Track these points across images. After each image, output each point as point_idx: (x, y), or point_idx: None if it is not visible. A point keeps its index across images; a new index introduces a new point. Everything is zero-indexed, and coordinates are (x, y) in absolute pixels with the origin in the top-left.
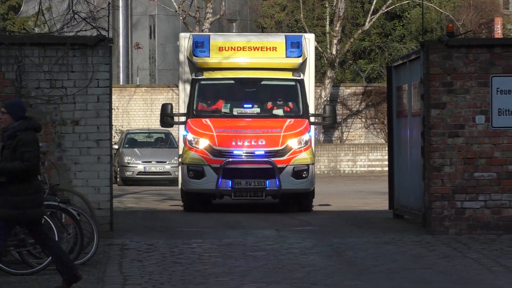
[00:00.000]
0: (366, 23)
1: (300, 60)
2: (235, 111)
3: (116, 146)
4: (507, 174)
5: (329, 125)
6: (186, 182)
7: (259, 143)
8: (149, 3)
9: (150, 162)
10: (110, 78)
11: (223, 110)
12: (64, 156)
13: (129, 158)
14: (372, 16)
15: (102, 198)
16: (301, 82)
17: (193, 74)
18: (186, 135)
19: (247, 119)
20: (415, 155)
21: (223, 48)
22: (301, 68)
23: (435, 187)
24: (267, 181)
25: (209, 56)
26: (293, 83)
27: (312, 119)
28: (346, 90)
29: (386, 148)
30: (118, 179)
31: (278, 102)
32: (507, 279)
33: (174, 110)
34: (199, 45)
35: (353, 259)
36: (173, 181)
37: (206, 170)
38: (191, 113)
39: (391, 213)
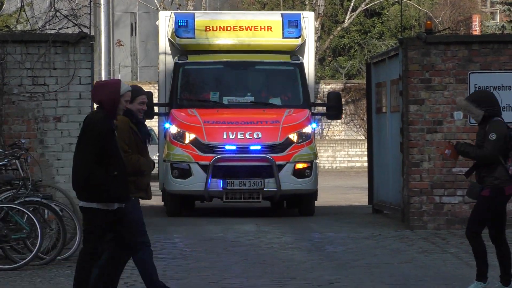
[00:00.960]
0: (346, 20)
1: (299, 41)
2: (226, 100)
3: None
4: None
5: (333, 117)
6: (169, 183)
7: (255, 136)
8: (131, 0)
9: None
10: (92, 75)
11: (211, 98)
12: (46, 153)
13: None
14: (352, 14)
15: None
16: (301, 66)
17: (176, 58)
18: (169, 127)
19: (240, 109)
20: (394, 151)
21: (210, 28)
22: (299, 51)
23: (413, 182)
24: (265, 181)
25: (194, 37)
26: (291, 67)
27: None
28: (326, 87)
29: (366, 144)
30: None
31: (274, 90)
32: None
33: (154, 100)
34: (183, 25)
35: (333, 253)
36: (155, 177)
37: (193, 168)
38: (174, 102)
39: (371, 208)
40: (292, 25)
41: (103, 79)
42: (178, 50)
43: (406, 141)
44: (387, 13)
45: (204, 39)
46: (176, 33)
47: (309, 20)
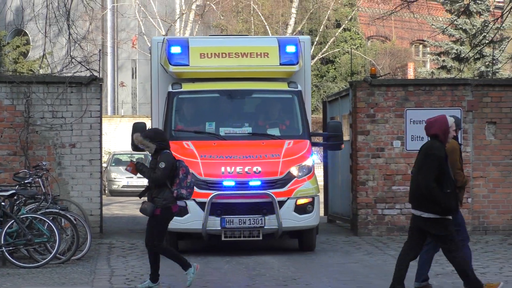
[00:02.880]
0: None
1: (296, 68)
2: (222, 131)
3: (105, 165)
4: None
5: (333, 147)
6: None
7: (254, 171)
8: (132, 50)
9: (132, 177)
10: (100, 110)
11: (207, 129)
12: (63, 173)
13: (115, 174)
14: (311, 61)
15: (94, 206)
16: (299, 94)
17: (170, 86)
18: None
19: (237, 141)
20: (345, 172)
21: (205, 55)
22: (297, 77)
23: (361, 197)
24: (265, 218)
25: (188, 65)
26: (289, 95)
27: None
28: None
29: (322, 167)
30: (106, 191)
31: (272, 119)
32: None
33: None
34: (176, 52)
35: (296, 255)
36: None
37: (190, 206)
38: (169, 134)
39: (326, 219)
40: (289, 51)
41: (109, 114)
42: (171, 77)
43: (354, 164)
44: (339, 61)
45: (198, 66)
46: (169, 60)
47: (305, 45)
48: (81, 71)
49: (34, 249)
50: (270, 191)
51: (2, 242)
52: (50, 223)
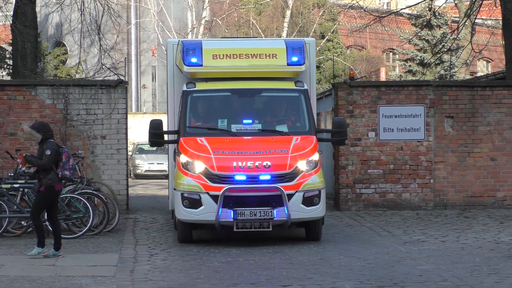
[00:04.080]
0: None
1: (303, 68)
2: (234, 128)
3: (130, 153)
4: (389, 170)
5: (338, 142)
6: (180, 212)
7: (264, 166)
8: (152, 58)
9: (153, 163)
10: (126, 107)
11: (219, 126)
12: (96, 160)
13: (139, 161)
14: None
15: (121, 187)
16: (305, 93)
17: (185, 85)
18: (179, 156)
19: (248, 137)
20: (329, 158)
21: (218, 56)
22: (302, 77)
23: (342, 179)
24: (275, 210)
25: (201, 65)
26: (296, 94)
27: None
28: None
29: None
30: (131, 175)
31: (281, 116)
32: (389, 239)
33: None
34: (190, 53)
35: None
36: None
37: (203, 199)
38: (183, 130)
39: None
40: (296, 52)
41: (133, 111)
42: (186, 77)
43: (336, 152)
44: (323, 66)
45: (211, 66)
46: (184, 61)
47: (310, 46)
48: (110, 76)
49: (72, 223)
50: (279, 185)
51: (46, 217)
52: (85, 202)
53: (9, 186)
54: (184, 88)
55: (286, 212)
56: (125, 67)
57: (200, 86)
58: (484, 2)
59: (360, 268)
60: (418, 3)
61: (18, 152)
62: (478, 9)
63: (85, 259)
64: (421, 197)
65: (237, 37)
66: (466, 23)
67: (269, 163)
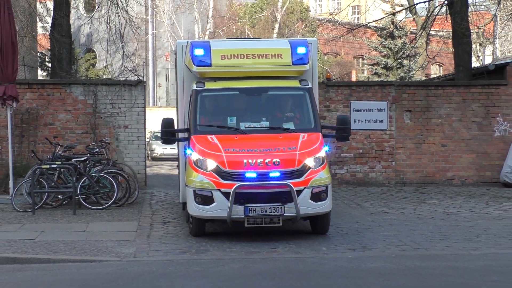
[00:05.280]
0: None
1: (307, 67)
2: (243, 126)
3: (148, 140)
4: (359, 154)
5: (341, 138)
6: (193, 208)
7: (274, 163)
8: (166, 62)
9: (166, 148)
10: (144, 102)
11: (229, 124)
12: (119, 145)
13: (155, 146)
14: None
15: (140, 168)
16: (310, 91)
17: (194, 85)
18: (191, 154)
19: (257, 135)
20: None
21: (225, 56)
22: (306, 76)
23: None
24: (285, 206)
25: (210, 65)
26: (301, 92)
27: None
28: None
29: None
30: (149, 157)
31: (287, 114)
32: (358, 211)
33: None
34: (198, 53)
35: None
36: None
37: (215, 195)
38: (194, 129)
39: None
40: (300, 52)
41: (150, 105)
42: (195, 77)
43: None
44: None
45: (219, 66)
46: (193, 61)
47: (313, 47)
48: (131, 77)
49: (100, 196)
50: (288, 181)
51: (79, 192)
52: (111, 179)
53: (48, 166)
54: (194, 87)
55: (296, 208)
56: (143, 69)
57: (209, 85)
58: (437, 16)
59: (335, 234)
60: (383, 18)
61: (55, 138)
62: (432, 22)
63: (110, 226)
64: (384, 176)
65: (243, 38)
66: (422, 34)
67: (278, 160)
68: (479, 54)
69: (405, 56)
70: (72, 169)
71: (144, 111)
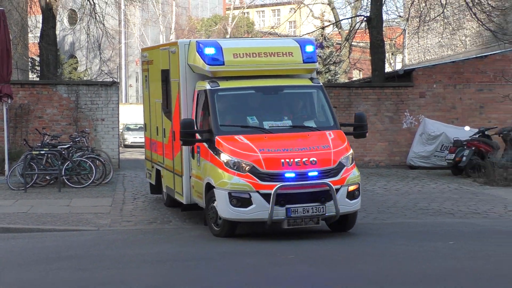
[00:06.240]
0: None
1: (316, 65)
2: (266, 125)
3: (121, 130)
4: None
5: (359, 135)
6: (227, 211)
7: (311, 162)
8: (136, 66)
9: (136, 137)
10: (117, 100)
11: (251, 123)
12: (97, 135)
13: (126, 135)
14: None
15: (114, 153)
16: (322, 88)
17: (208, 84)
18: (219, 155)
19: (284, 134)
20: None
21: (238, 55)
22: (314, 74)
23: None
24: (325, 205)
25: (223, 64)
26: (315, 90)
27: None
28: None
29: None
30: (122, 145)
31: (306, 112)
32: None
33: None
34: (210, 52)
35: None
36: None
37: (254, 197)
38: (217, 129)
39: None
40: (309, 50)
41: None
42: (198, 75)
43: None
44: None
45: (233, 65)
46: (204, 60)
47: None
48: (107, 78)
49: (81, 177)
50: (327, 180)
51: (63, 174)
52: (90, 163)
53: (37, 152)
54: (207, 87)
55: (335, 207)
56: (117, 72)
57: (223, 84)
58: (358, 30)
59: None
60: (314, 31)
61: (44, 129)
62: (353, 35)
63: (89, 202)
64: None
65: (247, 38)
66: (346, 45)
67: (315, 159)
68: (391, 61)
69: (331, 62)
70: (57, 155)
71: (118, 107)
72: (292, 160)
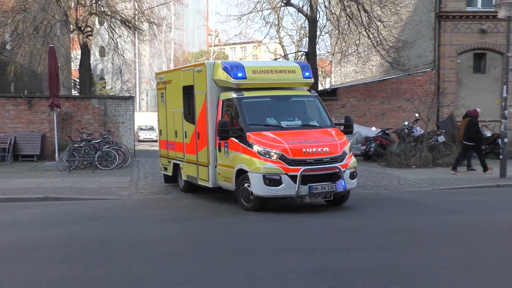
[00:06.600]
0: None
1: (312, 80)
2: (283, 124)
3: (136, 130)
4: None
5: (347, 132)
6: (261, 189)
7: (324, 151)
8: (146, 85)
9: (146, 135)
10: (133, 108)
11: (271, 123)
12: (119, 133)
13: (139, 133)
14: None
15: (131, 146)
16: (318, 97)
17: (235, 94)
18: (252, 146)
19: (298, 130)
20: None
21: (256, 71)
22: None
23: None
24: (336, 184)
25: (246, 78)
26: (313, 98)
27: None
28: None
29: None
30: (136, 140)
31: (309, 115)
32: None
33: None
34: (234, 69)
35: None
36: (155, 141)
37: (283, 178)
38: (246, 127)
39: None
40: (306, 70)
41: (137, 110)
42: (220, 87)
43: None
44: None
45: (253, 79)
46: (231, 75)
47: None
48: (126, 94)
49: (108, 162)
50: (337, 165)
51: (96, 160)
52: (114, 152)
53: (78, 145)
54: (235, 96)
55: (344, 184)
56: (133, 89)
57: (246, 94)
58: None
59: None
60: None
61: (82, 129)
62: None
63: (114, 179)
64: None
65: (262, 61)
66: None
67: (327, 149)
68: (323, 82)
69: None
70: (92, 147)
71: (133, 114)
72: (310, 149)
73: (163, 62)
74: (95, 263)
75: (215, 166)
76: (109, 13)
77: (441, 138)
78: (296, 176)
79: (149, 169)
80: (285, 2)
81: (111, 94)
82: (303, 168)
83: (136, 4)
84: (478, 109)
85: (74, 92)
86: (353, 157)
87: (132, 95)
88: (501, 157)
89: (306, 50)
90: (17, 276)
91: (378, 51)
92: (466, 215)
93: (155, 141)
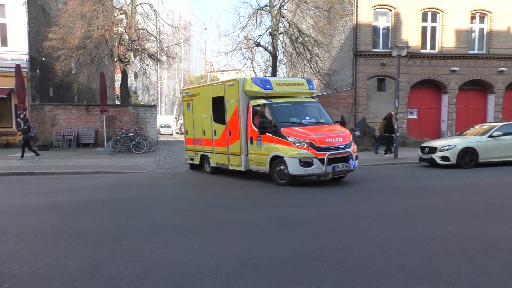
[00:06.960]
0: None
1: (314, 91)
2: (304, 121)
3: (158, 127)
4: None
5: None
6: (297, 169)
7: (339, 140)
8: (165, 98)
9: (165, 130)
10: (156, 113)
11: (295, 121)
12: (147, 129)
13: (161, 129)
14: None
15: (155, 138)
16: (320, 103)
17: (265, 101)
18: (287, 138)
19: (316, 126)
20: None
21: (279, 84)
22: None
23: None
24: (350, 164)
25: (272, 89)
26: (317, 103)
27: None
28: None
29: None
30: (158, 134)
31: (318, 115)
32: None
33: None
34: (264, 83)
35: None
36: (171, 134)
37: (314, 161)
38: (279, 124)
39: None
40: (310, 84)
41: (159, 114)
42: (249, 97)
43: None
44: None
45: (277, 90)
46: (261, 87)
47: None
48: (151, 103)
49: (139, 148)
50: (348, 150)
51: (131, 147)
52: (143, 141)
53: (119, 137)
54: (265, 102)
55: (353, 164)
56: (157, 100)
57: (273, 100)
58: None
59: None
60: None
61: (122, 126)
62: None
63: (143, 160)
64: None
65: (279, 77)
66: None
67: (341, 139)
68: None
69: None
70: (128, 138)
71: (156, 116)
72: (330, 139)
73: (176, 83)
74: (130, 215)
75: (246, 155)
76: (140, 49)
77: (357, 133)
78: (323, 159)
79: (167, 153)
80: (256, 44)
81: (141, 103)
82: (328, 153)
83: (158, 44)
84: (392, 113)
85: (117, 102)
86: (355, 145)
87: (155, 104)
88: (394, 145)
89: (270, 75)
90: (78, 222)
91: (317, 76)
92: (372, 183)
93: (171, 134)
